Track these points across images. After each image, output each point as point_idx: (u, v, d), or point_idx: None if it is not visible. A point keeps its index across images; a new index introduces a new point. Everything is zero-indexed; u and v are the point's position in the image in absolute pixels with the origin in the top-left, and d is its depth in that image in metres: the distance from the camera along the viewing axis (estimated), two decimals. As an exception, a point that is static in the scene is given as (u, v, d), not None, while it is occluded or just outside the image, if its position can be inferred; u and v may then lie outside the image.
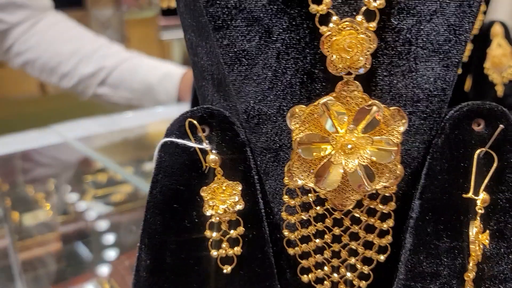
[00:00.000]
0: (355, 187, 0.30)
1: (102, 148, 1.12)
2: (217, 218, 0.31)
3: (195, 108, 0.32)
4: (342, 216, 0.32)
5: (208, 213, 0.31)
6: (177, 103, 1.02)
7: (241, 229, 0.31)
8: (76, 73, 1.01)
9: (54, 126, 1.03)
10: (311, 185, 0.30)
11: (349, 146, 0.28)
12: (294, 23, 0.28)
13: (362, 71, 0.28)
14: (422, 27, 0.29)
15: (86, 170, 1.08)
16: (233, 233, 0.31)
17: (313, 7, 0.28)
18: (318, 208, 0.32)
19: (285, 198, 0.32)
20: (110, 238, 0.91)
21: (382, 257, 0.33)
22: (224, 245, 0.31)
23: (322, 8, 0.28)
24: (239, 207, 0.31)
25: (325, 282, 0.33)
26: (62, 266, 0.89)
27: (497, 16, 0.84)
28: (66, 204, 1.03)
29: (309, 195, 0.31)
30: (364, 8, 0.27)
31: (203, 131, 0.31)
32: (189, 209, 0.31)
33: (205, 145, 0.31)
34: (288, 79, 0.29)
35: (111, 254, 0.86)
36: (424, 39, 0.29)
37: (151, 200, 0.32)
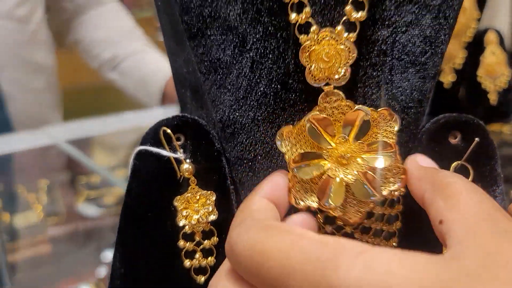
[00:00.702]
0: (362, 198, 0.28)
1: (94, 150, 1.12)
2: (191, 228, 0.31)
3: (171, 116, 0.31)
4: (353, 230, 0.31)
5: (181, 224, 0.30)
6: (161, 102, 1.10)
7: (215, 239, 0.31)
8: (99, 57, 1.16)
9: (46, 127, 1.04)
10: (315, 205, 0.28)
11: (344, 157, 0.27)
12: (268, 32, 0.28)
13: (342, 82, 0.28)
14: (397, 38, 0.28)
15: (78, 172, 1.08)
16: (206, 243, 0.31)
17: (293, 16, 0.27)
18: (327, 227, 0.30)
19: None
20: (102, 240, 0.91)
21: None
22: (197, 255, 0.31)
23: (301, 17, 0.27)
24: (213, 217, 0.31)
25: None
26: (51, 268, 0.88)
27: (496, 24, 0.84)
28: (57, 205, 1.03)
29: (318, 215, 0.30)
30: (344, 18, 0.27)
31: (178, 139, 0.31)
32: (163, 218, 0.31)
33: (179, 154, 0.30)
34: (262, 89, 0.29)
35: (103, 256, 0.86)
36: (400, 51, 0.29)
37: (125, 208, 0.32)
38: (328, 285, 0.18)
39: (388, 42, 0.28)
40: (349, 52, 0.27)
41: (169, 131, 0.30)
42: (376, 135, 0.28)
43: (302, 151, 0.28)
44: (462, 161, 0.30)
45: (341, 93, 0.28)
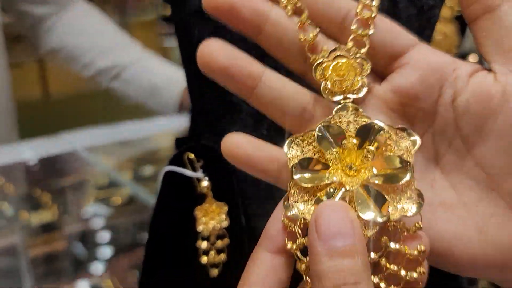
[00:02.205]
0: (366, 217, 0.23)
1: (109, 157, 1.19)
2: (208, 232, 0.39)
3: (193, 143, 0.40)
4: None
5: (200, 228, 0.39)
6: (178, 110, 1.11)
7: (226, 241, 0.40)
8: (93, 66, 1.10)
9: (62, 133, 1.11)
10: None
11: (351, 167, 0.24)
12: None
13: (359, 94, 0.27)
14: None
15: (91, 177, 1.16)
16: (219, 243, 0.39)
17: (301, 37, 0.27)
18: None
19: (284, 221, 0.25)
20: (109, 238, 0.98)
21: None
22: (212, 253, 0.40)
23: (310, 37, 0.27)
24: (225, 223, 0.39)
25: None
26: (65, 264, 0.96)
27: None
28: (70, 205, 1.11)
29: None
30: (352, 36, 0.27)
31: (198, 161, 0.40)
32: (185, 223, 0.40)
33: (199, 174, 0.39)
34: (266, 125, 0.37)
35: (111, 253, 0.94)
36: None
37: (155, 215, 0.40)
38: None
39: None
40: (363, 64, 0.27)
41: (192, 155, 0.39)
42: (391, 151, 0.25)
43: (307, 157, 0.26)
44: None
45: (358, 107, 0.26)
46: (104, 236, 0.97)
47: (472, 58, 0.90)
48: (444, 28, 0.85)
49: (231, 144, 0.29)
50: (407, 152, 0.25)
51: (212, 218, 0.39)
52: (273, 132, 0.38)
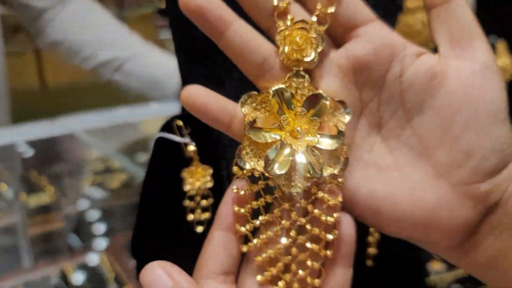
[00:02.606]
0: (303, 172, 0.28)
1: (105, 142, 1.23)
2: (194, 191, 0.43)
3: (180, 113, 0.44)
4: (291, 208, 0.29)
5: (187, 188, 0.43)
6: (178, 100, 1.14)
7: (210, 200, 0.44)
8: (95, 59, 1.12)
9: (60, 118, 1.15)
10: (260, 168, 0.29)
11: (298, 131, 0.29)
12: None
13: (311, 66, 0.30)
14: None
15: (88, 160, 1.19)
16: (204, 202, 0.44)
17: (275, 2, 0.29)
18: (267, 196, 0.29)
19: (235, 190, 0.30)
20: (106, 220, 1.02)
21: (329, 252, 0.29)
22: (198, 211, 0.44)
23: (282, 6, 0.30)
24: (210, 184, 0.43)
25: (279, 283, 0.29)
26: (63, 242, 0.99)
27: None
28: (68, 188, 1.14)
29: (260, 182, 0.29)
30: (317, 12, 0.30)
31: (186, 128, 0.44)
32: (174, 184, 0.44)
33: (187, 140, 0.43)
34: (246, 95, 0.42)
35: (108, 234, 0.97)
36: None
37: (147, 178, 0.45)
38: None
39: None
40: (318, 41, 0.30)
41: (181, 123, 0.43)
42: (329, 121, 0.30)
43: (261, 116, 0.30)
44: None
45: (307, 76, 0.30)
46: (100, 227, 1.00)
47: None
48: (423, 17, 0.88)
49: (190, 94, 0.30)
50: (341, 123, 0.30)
51: (197, 179, 0.43)
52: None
